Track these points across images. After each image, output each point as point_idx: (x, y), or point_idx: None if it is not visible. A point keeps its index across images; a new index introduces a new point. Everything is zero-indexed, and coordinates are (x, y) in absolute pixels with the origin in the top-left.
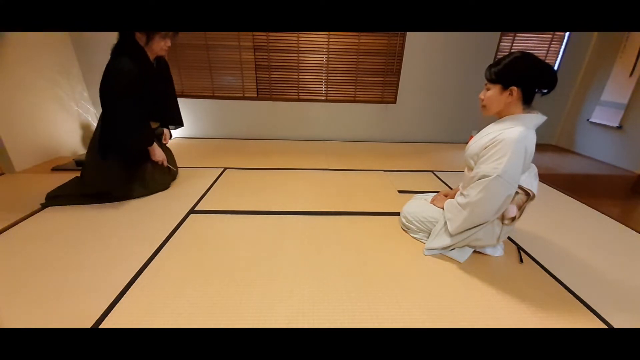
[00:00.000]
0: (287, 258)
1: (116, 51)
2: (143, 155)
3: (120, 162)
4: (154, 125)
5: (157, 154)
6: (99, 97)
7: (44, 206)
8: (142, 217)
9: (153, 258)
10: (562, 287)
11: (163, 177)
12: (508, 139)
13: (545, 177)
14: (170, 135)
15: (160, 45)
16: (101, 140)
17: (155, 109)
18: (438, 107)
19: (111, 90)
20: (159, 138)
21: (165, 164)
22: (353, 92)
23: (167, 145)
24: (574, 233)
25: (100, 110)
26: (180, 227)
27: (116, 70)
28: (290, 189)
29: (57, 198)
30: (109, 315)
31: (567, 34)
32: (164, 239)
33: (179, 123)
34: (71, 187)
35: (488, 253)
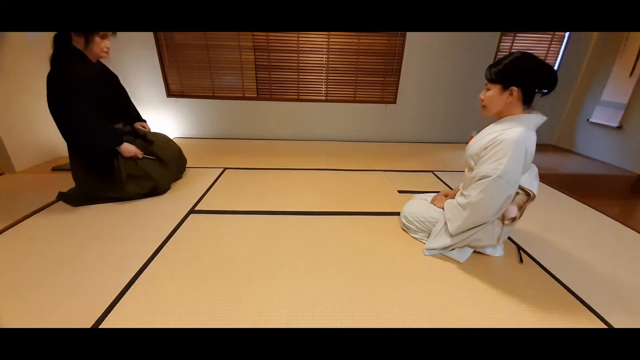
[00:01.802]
0: (287, 258)
1: (55, 58)
2: (114, 155)
3: (99, 165)
4: (118, 126)
5: (127, 150)
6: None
7: (58, 199)
8: (142, 217)
9: (153, 258)
10: (562, 287)
11: (160, 171)
12: (508, 140)
13: (545, 177)
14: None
15: (100, 47)
16: (69, 149)
17: (112, 110)
18: (438, 107)
19: (59, 98)
20: (135, 134)
21: (140, 156)
22: (353, 92)
23: (150, 132)
24: (574, 233)
25: None
26: (180, 227)
27: (59, 77)
28: (290, 189)
29: (68, 197)
30: (109, 315)
31: (567, 34)
32: (164, 239)
33: (140, 120)
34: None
35: (488, 253)
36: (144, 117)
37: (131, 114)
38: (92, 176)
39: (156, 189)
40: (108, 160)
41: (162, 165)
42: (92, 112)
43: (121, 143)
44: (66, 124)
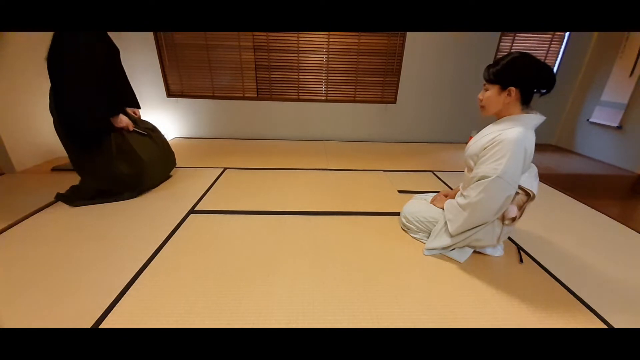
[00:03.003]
0: (287, 258)
1: None
2: (106, 131)
3: (90, 142)
4: None
5: (119, 120)
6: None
7: (56, 199)
8: (142, 217)
9: (153, 258)
10: (562, 287)
11: (149, 149)
12: (507, 140)
13: (545, 177)
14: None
15: None
16: (62, 123)
17: (111, 83)
18: (438, 107)
19: (69, 66)
20: (124, 112)
21: (132, 128)
22: (353, 92)
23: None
24: (574, 233)
25: None
26: (180, 227)
27: (73, 44)
28: (290, 189)
29: (66, 198)
30: (109, 315)
31: (567, 34)
32: (164, 239)
33: (136, 105)
34: (78, 189)
35: (488, 253)
36: (142, 117)
37: (128, 92)
38: (83, 152)
39: (144, 170)
40: (99, 134)
41: (153, 144)
42: (95, 81)
43: (117, 113)
44: (67, 91)
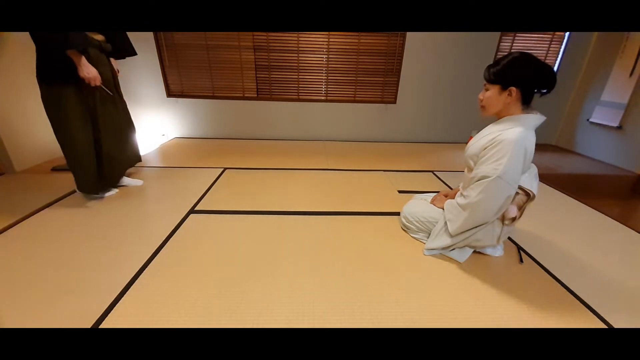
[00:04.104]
0: (287, 258)
1: None
2: (70, 68)
3: (62, 85)
4: (97, 37)
5: (86, 68)
6: None
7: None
8: (142, 217)
9: (153, 258)
10: (562, 287)
11: (107, 110)
12: (507, 140)
13: (545, 177)
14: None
15: None
16: (35, 42)
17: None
18: (438, 107)
19: None
20: (107, 56)
21: (97, 83)
22: (353, 92)
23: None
24: (574, 233)
25: None
26: (180, 227)
27: None
28: (290, 189)
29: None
30: (109, 315)
31: (567, 34)
32: (164, 239)
33: (131, 52)
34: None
35: (488, 253)
36: (142, 117)
37: (120, 43)
38: (55, 94)
39: (96, 135)
40: (67, 65)
41: (117, 115)
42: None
43: (82, 47)
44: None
